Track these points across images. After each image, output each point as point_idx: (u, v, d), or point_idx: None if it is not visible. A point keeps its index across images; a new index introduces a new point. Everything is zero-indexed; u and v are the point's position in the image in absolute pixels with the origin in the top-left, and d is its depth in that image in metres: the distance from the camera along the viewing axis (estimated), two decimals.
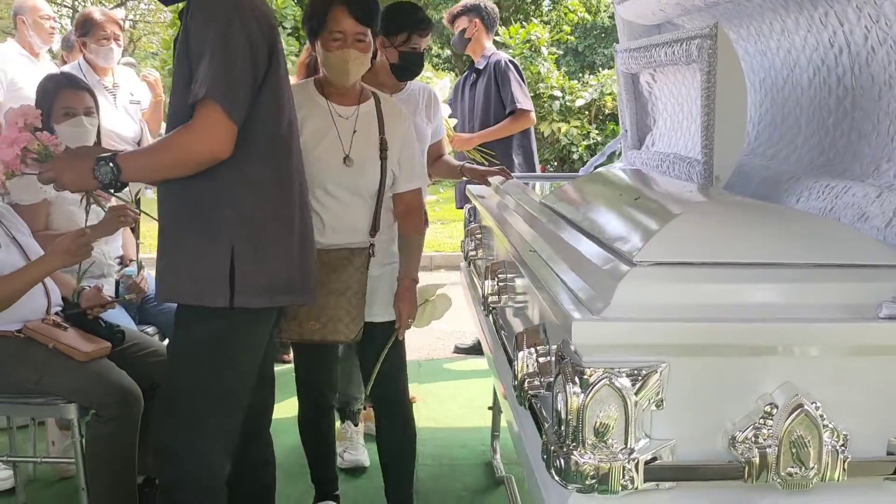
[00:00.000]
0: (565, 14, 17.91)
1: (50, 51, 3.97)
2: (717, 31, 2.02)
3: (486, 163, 3.48)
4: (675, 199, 1.58)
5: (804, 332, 1.20)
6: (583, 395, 1.18)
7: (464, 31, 3.94)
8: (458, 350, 4.53)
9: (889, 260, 1.25)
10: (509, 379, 1.69)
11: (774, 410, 1.20)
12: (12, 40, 4.00)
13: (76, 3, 23.46)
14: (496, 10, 4.03)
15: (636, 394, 1.18)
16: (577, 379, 1.18)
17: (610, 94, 9.88)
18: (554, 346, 1.43)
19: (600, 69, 13.46)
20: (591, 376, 1.17)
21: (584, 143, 9.77)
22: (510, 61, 3.83)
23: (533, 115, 3.88)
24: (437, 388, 3.67)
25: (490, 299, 2.04)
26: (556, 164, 10.20)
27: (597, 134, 9.88)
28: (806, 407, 1.18)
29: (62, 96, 2.61)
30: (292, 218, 1.86)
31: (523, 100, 3.78)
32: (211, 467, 1.79)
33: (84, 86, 2.75)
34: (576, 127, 9.61)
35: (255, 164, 1.77)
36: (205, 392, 1.77)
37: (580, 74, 12.40)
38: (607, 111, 10.00)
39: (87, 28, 3.52)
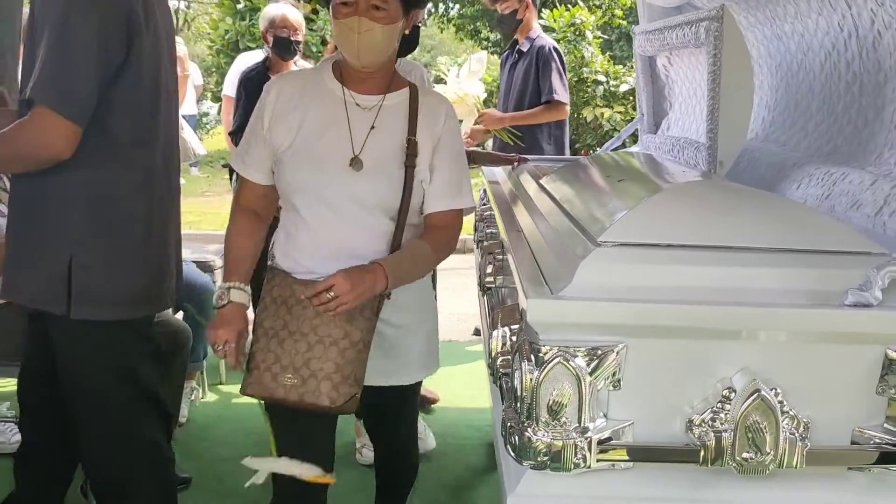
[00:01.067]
0: None
1: None
2: (724, 12, 1.98)
3: (511, 143, 3.46)
4: (652, 182, 1.57)
5: (766, 316, 1.18)
6: (537, 372, 1.19)
7: (515, 11, 3.85)
8: (479, 332, 4.54)
9: (858, 247, 1.22)
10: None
11: (733, 395, 1.19)
12: None
13: None
14: None
15: (591, 374, 1.18)
16: (532, 357, 1.19)
17: None
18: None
19: None
20: (545, 354, 1.18)
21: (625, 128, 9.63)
22: (554, 48, 3.74)
23: (567, 108, 3.82)
24: (454, 369, 3.69)
25: (486, 280, 2.05)
26: (598, 149, 10.10)
27: None
28: (763, 392, 1.16)
29: None
30: (150, 221, 1.75)
31: (561, 91, 3.72)
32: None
33: None
34: (619, 112, 9.45)
35: (106, 163, 1.68)
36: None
37: (630, 61, 12.19)
38: None
39: None
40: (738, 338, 1.20)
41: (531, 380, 1.19)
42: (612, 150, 2.90)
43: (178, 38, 3.81)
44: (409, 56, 2.39)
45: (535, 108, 3.69)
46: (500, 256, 2.07)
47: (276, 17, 3.30)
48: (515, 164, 2.58)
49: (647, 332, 1.19)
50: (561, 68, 3.71)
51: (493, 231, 2.51)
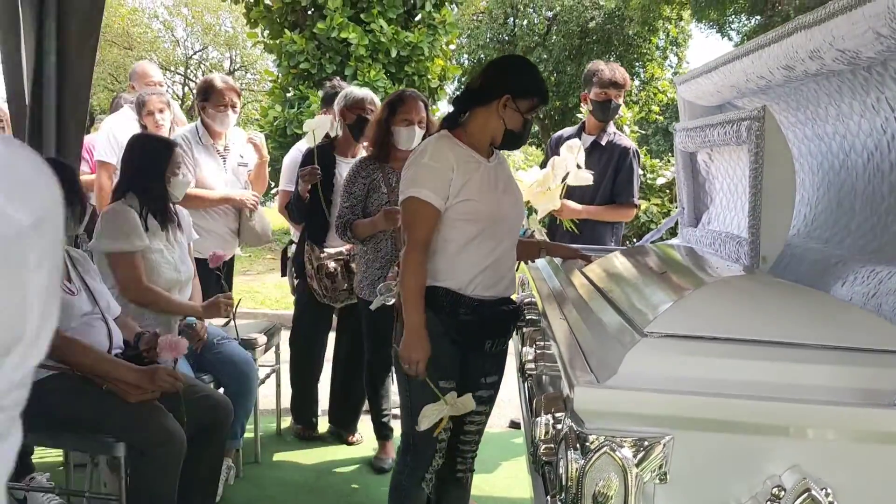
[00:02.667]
0: (655, 94, 18.02)
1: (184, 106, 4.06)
2: (765, 112, 2.03)
3: (578, 232, 3.50)
4: (697, 275, 1.59)
5: (815, 414, 1.17)
6: (583, 461, 1.18)
7: (619, 105, 3.90)
8: (514, 425, 4.43)
9: None
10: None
11: (782, 493, 1.17)
12: (128, 107, 4.32)
13: (189, 71, 25.06)
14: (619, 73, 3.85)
15: (637, 465, 1.18)
16: (577, 445, 1.19)
17: None
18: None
19: None
20: (592, 443, 1.18)
21: (665, 220, 9.68)
22: (636, 151, 3.74)
23: (635, 210, 3.84)
24: (485, 458, 3.65)
25: (527, 366, 2.06)
26: (635, 240, 10.12)
27: None
28: (814, 492, 1.14)
29: (176, 153, 2.87)
30: None
31: (636, 194, 3.76)
32: None
33: (177, 144, 3.00)
34: (656, 205, 9.53)
35: None
36: None
37: (670, 154, 12.36)
38: None
39: (207, 94, 3.68)
40: (786, 434, 1.19)
41: (576, 469, 1.19)
42: (652, 242, 2.92)
43: (259, 134, 3.96)
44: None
45: (612, 208, 3.70)
46: (542, 343, 2.08)
47: (366, 98, 3.48)
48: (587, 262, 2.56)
49: (695, 424, 1.19)
50: (640, 171, 3.74)
51: (534, 318, 2.53)
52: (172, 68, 25.15)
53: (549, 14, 19.73)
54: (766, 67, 2.06)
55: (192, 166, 3.55)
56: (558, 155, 3.48)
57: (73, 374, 2.17)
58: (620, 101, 3.81)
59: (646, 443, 1.18)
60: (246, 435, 3.13)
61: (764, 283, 1.47)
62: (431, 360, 2.22)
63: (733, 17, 16.26)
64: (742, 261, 2.13)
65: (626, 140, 3.84)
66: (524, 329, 2.61)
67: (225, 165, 3.75)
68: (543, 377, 2.03)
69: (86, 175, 4.04)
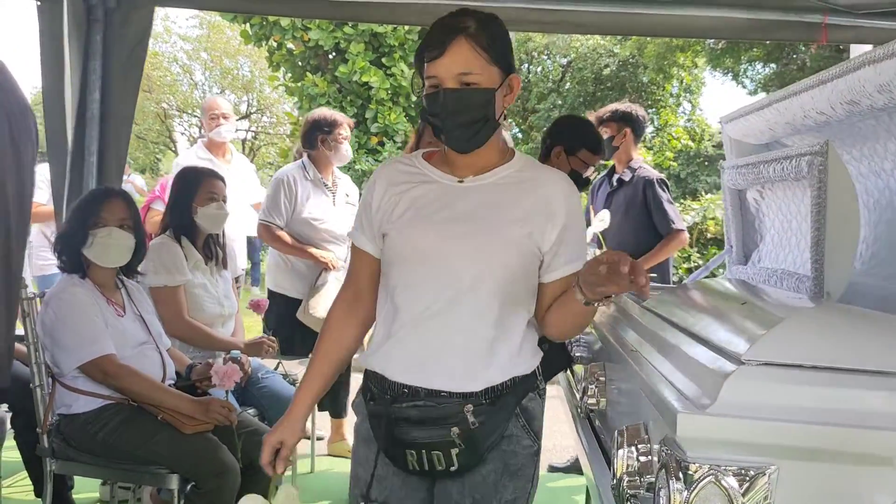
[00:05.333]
0: (668, 140, 18.12)
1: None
2: (828, 147, 2.04)
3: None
4: (783, 304, 1.57)
5: None
6: (686, 491, 1.16)
7: (612, 137, 3.87)
8: (553, 469, 4.32)
9: None
10: (607, 481, 1.66)
11: None
12: (200, 142, 4.42)
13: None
14: (646, 117, 3.98)
15: (743, 495, 1.15)
16: (680, 475, 1.16)
17: (713, 218, 9.78)
18: (656, 445, 1.41)
19: (703, 194, 13.45)
20: (695, 472, 1.15)
21: (685, 265, 9.65)
22: (661, 180, 3.73)
23: (686, 234, 3.74)
24: None
25: (588, 401, 2.03)
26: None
27: (698, 257, 9.76)
28: None
29: (207, 183, 2.88)
30: None
31: (677, 220, 3.69)
32: None
33: (221, 177, 3.01)
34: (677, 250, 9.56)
35: None
36: None
37: (682, 200, 12.40)
38: (709, 235, 9.88)
39: (329, 127, 3.70)
40: (893, 465, 1.16)
41: (679, 500, 1.16)
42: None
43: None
44: None
45: (660, 246, 3.70)
46: (603, 378, 2.05)
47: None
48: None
49: (800, 454, 1.16)
50: (670, 196, 3.72)
51: (584, 354, 2.51)
52: (189, 111, 25.51)
53: (564, 61, 19.98)
54: (827, 103, 2.07)
55: (293, 202, 3.57)
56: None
57: (128, 404, 2.16)
58: (614, 132, 3.83)
59: (751, 472, 1.15)
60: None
61: (854, 312, 1.45)
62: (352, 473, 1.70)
63: (747, 65, 16.42)
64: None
65: (650, 171, 3.86)
66: (576, 365, 2.58)
67: (335, 201, 3.76)
68: (607, 412, 2.00)
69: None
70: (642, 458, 1.44)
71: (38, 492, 2.65)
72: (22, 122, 1.70)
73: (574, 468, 4.00)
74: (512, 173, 1.65)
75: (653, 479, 1.40)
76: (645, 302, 2.11)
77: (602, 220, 3.50)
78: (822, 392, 1.21)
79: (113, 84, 3.56)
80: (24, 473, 2.82)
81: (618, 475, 1.46)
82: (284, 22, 10.00)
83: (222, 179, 3.07)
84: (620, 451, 1.46)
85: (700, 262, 9.56)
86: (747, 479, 1.15)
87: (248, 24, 10.49)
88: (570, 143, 2.81)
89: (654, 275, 3.56)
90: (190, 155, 4.38)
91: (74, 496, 2.88)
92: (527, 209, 1.61)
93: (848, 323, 1.38)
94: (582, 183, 2.82)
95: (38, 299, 2.45)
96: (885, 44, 1.79)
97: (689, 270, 9.60)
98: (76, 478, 2.71)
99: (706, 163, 20.25)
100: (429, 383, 1.57)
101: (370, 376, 1.65)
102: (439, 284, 1.58)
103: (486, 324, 1.58)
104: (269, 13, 7.66)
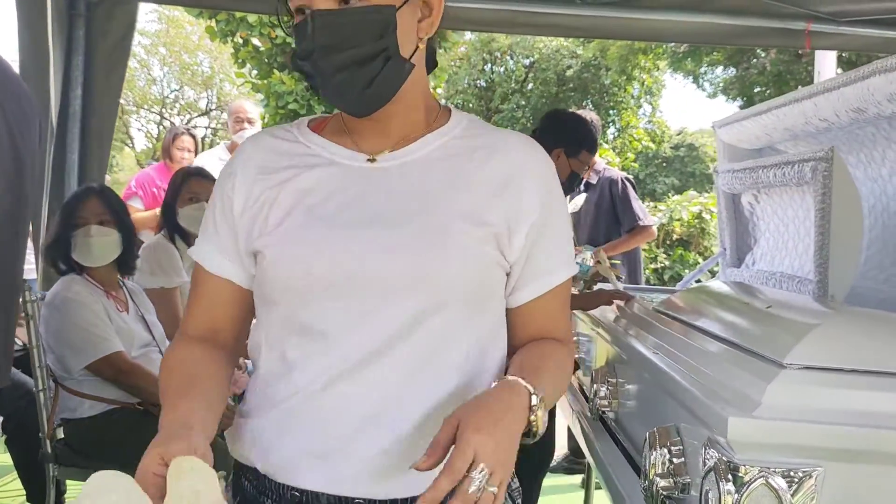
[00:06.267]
0: (630, 142, 18.39)
1: None
2: (833, 154, 2.08)
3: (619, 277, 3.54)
4: (808, 309, 1.60)
5: None
6: (736, 493, 1.18)
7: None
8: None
9: None
10: (631, 482, 1.68)
11: None
12: (223, 144, 4.42)
13: (164, 110, 25.01)
14: (599, 121, 4.09)
15: (793, 496, 1.18)
16: (730, 476, 1.18)
17: (679, 219, 9.96)
18: (689, 448, 1.43)
19: (662, 196, 13.69)
20: (745, 474, 1.17)
21: (652, 266, 9.80)
22: (626, 178, 3.90)
23: (654, 228, 3.94)
24: None
25: (600, 404, 2.05)
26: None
27: (665, 258, 9.91)
28: None
29: (190, 183, 2.84)
30: None
31: (644, 216, 3.87)
32: None
33: (210, 177, 2.96)
34: (644, 250, 9.68)
35: None
36: None
37: (642, 201, 12.63)
38: (675, 236, 10.05)
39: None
40: None
41: (731, 501, 1.18)
42: (695, 282, 2.95)
43: None
44: None
45: (623, 238, 3.79)
46: (614, 380, 2.07)
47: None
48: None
49: (845, 456, 1.19)
50: (636, 194, 3.84)
51: (586, 358, 2.53)
52: (147, 107, 25.07)
53: (527, 62, 20.13)
54: (832, 110, 2.12)
55: None
56: None
57: (135, 408, 2.12)
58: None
59: (800, 473, 1.18)
60: None
61: (883, 317, 1.49)
62: None
63: (708, 68, 16.75)
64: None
65: (614, 171, 4.01)
66: (583, 368, 2.60)
67: None
68: (620, 414, 2.02)
69: (140, 213, 4.05)
70: (675, 461, 1.46)
71: (30, 496, 2.58)
72: (18, 113, 1.67)
73: (562, 468, 4.02)
74: (449, 141, 1.10)
75: (687, 481, 1.43)
76: (657, 305, 2.14)
77: (575, 204, 3.56)
78: (863, 395, 1.23)
79: (96, 80, 3.50)
80: (13, 477, 2.75)
81: (650, 477, 1.47)
82: (252, 18, 9.88)
83: (212, 179, 3.02)
84: (652, 454, 1.48)
85: (667, 262, 9.71)
86: (795, 480, 1.18)
87: (213, 20, 10.34)
88: (571, 145, 2.79)
89: (618, 261, 3.63)
90: (212, 156, 4.38)
91: (66, 500, 2.81)
92: (480, 195, 1.05)
93: (881, 326, 1.42)
94: (578, 184, 2.84)
95: (38, 302, 2.40)
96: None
97: (656, 271, 9.75)
98: (68, 482, 2.64)
99: (664, 164, 20.53)
100: (336, 487, 1.02)
101: (243, 469, 1.10)
102: (356, 330, 1.00)
103: None
104: (239, 9, 7.57)
